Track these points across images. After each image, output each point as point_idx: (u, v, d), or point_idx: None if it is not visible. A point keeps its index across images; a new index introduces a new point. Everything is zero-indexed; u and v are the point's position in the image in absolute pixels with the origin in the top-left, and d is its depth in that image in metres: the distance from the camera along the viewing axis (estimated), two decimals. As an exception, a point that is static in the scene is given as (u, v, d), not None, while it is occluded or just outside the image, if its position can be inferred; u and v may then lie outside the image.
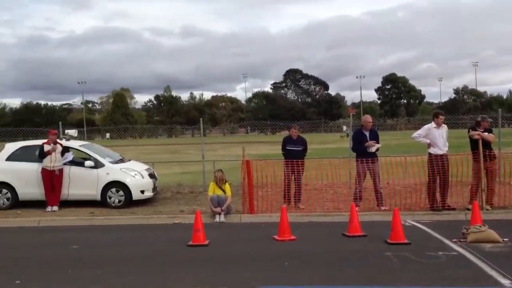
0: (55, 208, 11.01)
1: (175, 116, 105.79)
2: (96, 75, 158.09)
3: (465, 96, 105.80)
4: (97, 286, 5.72)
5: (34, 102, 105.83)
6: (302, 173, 10.77)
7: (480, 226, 7.52)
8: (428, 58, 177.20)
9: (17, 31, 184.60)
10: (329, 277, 6.00)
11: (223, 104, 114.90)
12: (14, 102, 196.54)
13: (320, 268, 6.37)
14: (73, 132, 13.23)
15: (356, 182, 10.46)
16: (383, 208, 10.05)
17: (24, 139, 16.34)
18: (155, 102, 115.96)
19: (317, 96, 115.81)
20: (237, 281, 5.83)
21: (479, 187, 9.74)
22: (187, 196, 12.93)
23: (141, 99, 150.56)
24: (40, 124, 74.28)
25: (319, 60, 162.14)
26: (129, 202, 11.25)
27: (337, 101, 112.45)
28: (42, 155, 11.04)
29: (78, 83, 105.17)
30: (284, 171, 10.80)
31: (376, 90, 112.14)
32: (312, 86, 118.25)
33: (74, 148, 11.86)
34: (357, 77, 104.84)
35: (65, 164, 11.29)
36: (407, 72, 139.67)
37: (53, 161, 11.00)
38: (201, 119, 15.73)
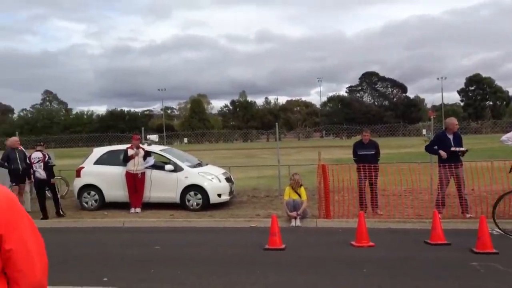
0: (138, 210, 11.51)
1: (250, 121, 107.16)
2: (175, 82, 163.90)
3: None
4: (178, 286, 5.89)
5: (119, 109, 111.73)
6: (377, 178, 10.48)
7: None
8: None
9: (104, 43, 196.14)
10: (411, 286, 5.78)
11: (298, 108, 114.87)
12: (100, 109, 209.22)
13: (400, 276, 6.15)
14: (154, 137, 13.76)
15: (438, 188, 9.98)
16: (468, 215, 9.53)
17: (109, 144, 17.29)
18: (230, 107, 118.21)
19: (395, 99, 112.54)
20: (314, 286, 5.77)
21: None
22: (263, 200, 13.02)
23: (217, 104, 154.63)
24: (124, 129, 78.42)
25: (397, 62, 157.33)
26: (206, 205, 11.52)
27: (416, 103, 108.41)
28: (126, 159, 11.59)
29: (158, 90, 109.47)
30: (358, 177, 10.53)
31: (459, 92, 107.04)
32: (389, 88, 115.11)
33: (155, 153, 12.34)
34: (438, 79, 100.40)
35: (147, 167, 11.77)
36: (492, 72, 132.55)
37: (136, 165, 11.51)
38: (276, 123, 15.75)
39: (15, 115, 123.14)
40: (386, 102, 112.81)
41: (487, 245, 7.04)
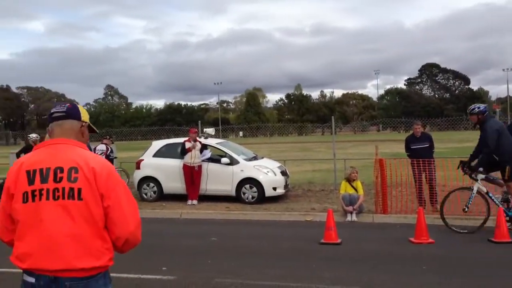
0: (195, 202, 11.75)
1: (305, 114, 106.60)
2: (230, 75, 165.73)
3: None
4: (235, 278, 5.97)
5: (176, 103, 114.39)
6: (435, 172, 10.08)
7: None
8: None
9: (162, 38, 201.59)
10: (474, 286, 5.57)
11: (354, 101, 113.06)
12: (159, 103, 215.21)
13: (462, 275, 5.94)
14: (211, 130, 13.96)
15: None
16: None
17: (167, 137, 17.73)
18: (286, 100, 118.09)
19: (457, 92, 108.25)
20: (371, 282, 5.69)
21: None
22: (318, 194, 12.94)
23: (272, 98, 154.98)
24: (181, 123, 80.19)
25: (459, 53, 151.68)
26: (262, 198, 11.58)
27: (480, 96, 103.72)
28: (183, 152, 11.84)
29: (215, 84, 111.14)
30: (413, 172, 10.13)
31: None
32: (451, 80, 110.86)
33: (212, 146, 12.53)
34: (503, 70, 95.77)
35: (203, 160, 11.98)
36: None
37: (193, 158, 11.74)
38: (332, 117, 15.59)
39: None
40: (447, 95, 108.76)
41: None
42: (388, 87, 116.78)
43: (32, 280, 2.45)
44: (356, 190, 9.88)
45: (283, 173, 12.31)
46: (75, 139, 2.68)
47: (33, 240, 2.44)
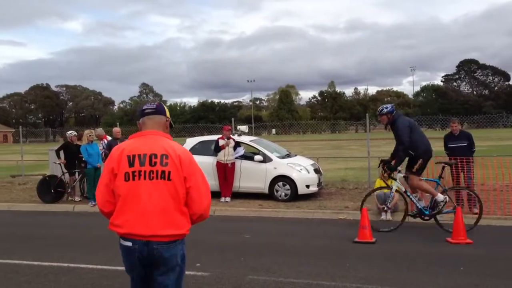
0: (228, 199, 11.81)
1: (338, 111, 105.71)
2: (263, 73, 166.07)
3: None
4: (268, 275, 5.98)
5: (209, 100, 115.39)
6: (473, 172, 9.78)
7: None
8: None
9: (196, 36, 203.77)
10: (513, 287, 5.40)
11: (389, 98, 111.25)
12: (192, 101, 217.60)
13: (502, 277, 5.76)
14: (244, 128, 14.01)
15: None
16: None
17: (201, 135, 17.88)
18: (319, 98, 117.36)
19: (496, 88, 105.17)
20: (407, 282, 5.59)
21: None
22: (352, 192, 12.81)
23: (305, 95, 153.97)
24: (214, 120, 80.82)
25: (499, 48, 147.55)
26: (294, 196, 11.55)
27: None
28: (217, 149, 11.93)
29: (248, 81, 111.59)
30: (450, 171, 9.88)
31: None
32: (490, 77, 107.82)
33: (245, 143, 12.56)
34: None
35: (237, 158, 12.03)
36: None
37: (227, 155, 11.81)
38: (367, 114, 15.36)
39: (115, 107, 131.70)
40: (486, 92, 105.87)
41: None
42: (424, 83, 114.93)
43: (129, 244, 3.14)
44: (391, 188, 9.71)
45: (316, 171, 12.24)
46: (162, 131, 3.38)
47: (131, 211, 3.12)
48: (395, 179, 8.68)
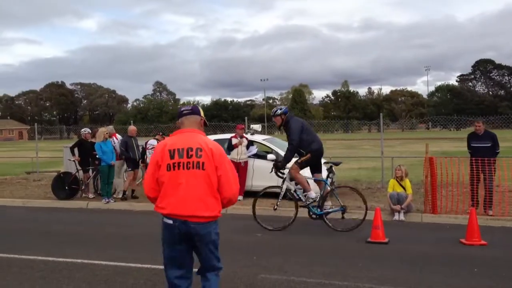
0: (240, 197, 11.79)
1: (352, 111, 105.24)
2: (276, 72, 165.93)
3: None
4: (280, 274, 5.98)
5: (222, 99, 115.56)
6: (494, 174, 9.66)
7: None
8: None
9: (209, 35, 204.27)
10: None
11: (403, 98, 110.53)
12: (205, 99, 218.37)
13: (516, 279, 5.70)
14: (257, 126, 13.97)
15: None
16: None
17: (213, 133, 17.91)
18: (332, 97, 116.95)
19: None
20: (420, 283, 5.55)
21: None
22: (364, 192, 12.68)
23: (318, 94, 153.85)
24: (227, 119, 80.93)
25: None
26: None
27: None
28: (230, 148, 11.94)
29: (261, 80, 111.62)
30: (470, 171, 9.77)
31: None
32: (506, 77, 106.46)
33: (258, 142, 12.55)
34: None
35: (249, 156, 12.03)
36: None
37: (240, 154, 11.81)
38: (381, 114, 15.27)
39: (129, 105, 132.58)
40: (502, 92, 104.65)
41: None
42: (438, 83, 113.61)
43: (170, 222, 3.80)
44: (404, 189, 9.67)
45: (329, 170, 12.17)
46: (197, 128, 4.06)
47: (172, 196, 3.79)
48: (281, 177, 9.15)
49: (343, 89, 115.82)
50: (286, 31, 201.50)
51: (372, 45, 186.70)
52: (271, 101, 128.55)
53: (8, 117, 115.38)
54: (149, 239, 8.17)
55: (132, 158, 12.31)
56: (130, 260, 6.65)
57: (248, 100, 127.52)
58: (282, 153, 11.99)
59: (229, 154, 11.97)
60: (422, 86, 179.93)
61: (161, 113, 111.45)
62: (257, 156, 12.18)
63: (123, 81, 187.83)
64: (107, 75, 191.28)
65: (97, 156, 12.08)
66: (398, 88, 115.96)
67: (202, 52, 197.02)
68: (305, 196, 8.80)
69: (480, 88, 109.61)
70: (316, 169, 9.34)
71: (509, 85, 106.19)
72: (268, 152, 12.18)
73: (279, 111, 9.01)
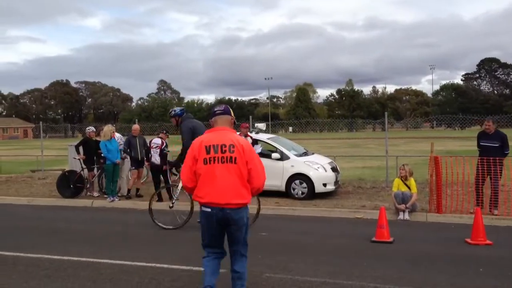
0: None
1: (356, 110, 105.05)
2: (280, 70, 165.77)
3: None
4: (285, 273, 5.98)
5: (226, 98, 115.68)
6: (500, 174, 9.59)
7: None
8: None
9: (214, 33, 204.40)
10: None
11: (407, 97, 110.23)
12: (209, 98, 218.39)
13: (522, 279, 5.68)
14: (262, 125, 13.96)
15: None
16: None
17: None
18: (336, 96, 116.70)
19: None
20: (425, 283, 5.53)
21: None
22: (369, 191, 12.73)
23: (323, 93, 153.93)
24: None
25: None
26: (311, 194, 11.52)
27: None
28: (234, 146, 11.91)
29: (265, 79, 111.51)
30: (478, 170, 9.72)
31: None
32: (511, 76, 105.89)
33: (263, 141, 12.55)
34: None
35: (254, 155, 11.99)
36: None
37: (244, 152, 11.77)
38: (385, 113, 15.26)
39: (133, 103, 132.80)
40: (507, 91, 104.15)
41: None
42: (443, 82, 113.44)
43: (208, 210, 4.40)
44: (409, 188, 9.64)
45: (334, 169, 12.18)
46: (229, 127, 4.60)
47: (209, 186, 4.37)
48: (176, 175, 9.20)
49: (347, 88, 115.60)
50: (291, 29, 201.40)
51: (377, 44, 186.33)
52: (275, 100, 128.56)
53: (13, 116, 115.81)
54: (154, 238, 8.19)
55: (135, 157, 12.33)
56: (135, 259, 6.66)
57: (252, 99, 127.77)
58: (287, 152, 12.03)
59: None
60: (427, 85, 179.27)
61: (166, 111, 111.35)
62: (261, 155, 12.14)
63: (127, 80, 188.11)
64: (111, 74, 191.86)
65: (102, 155, 12.11)
66: (403, 87, 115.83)
67: (206, 50, 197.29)
68: None
69: (485, 87, 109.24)
70: None
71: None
72: (273, 151, 12.17)
73: (173, 113, 9.34)
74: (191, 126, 8.94)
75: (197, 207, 8.56)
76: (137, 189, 12.62)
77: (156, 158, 11.67)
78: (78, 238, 8.29)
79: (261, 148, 12.31)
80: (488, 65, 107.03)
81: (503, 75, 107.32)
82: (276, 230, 8.82)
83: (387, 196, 11.38)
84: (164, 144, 11.86)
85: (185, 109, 9.52)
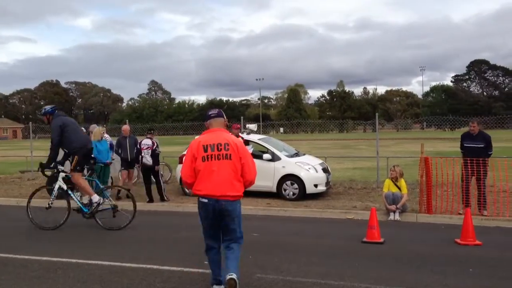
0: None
1: (347, 111, 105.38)
2: (272, 71, 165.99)
3: None
4: (277, 273, 5.98)
5: (218, 98, 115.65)
6: (486, 175, 9.66)
7: None
8: None
9: (206, 34, 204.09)
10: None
11: (398, 98, 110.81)
12: (201, 98, 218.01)
13: (511, 279, 5.72)
14: (253, 126, 13.94)
15: None
16: None
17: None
18: (327, 97, 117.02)
19: (506, 89, 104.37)
20: (415, 283, 5.56)
21: None
22: (360, 192, 12.77)
23: (314, 94, 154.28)
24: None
25: (511, 49, 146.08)
26: (303, 195, 11.53)
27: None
28: (225, 147, 11.89)
29: (256, 79, 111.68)
30: (462, 171, 9.82)
31: None
32: (500, 78, 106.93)
33: (254, 142, 12.53)
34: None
35: (245, 156, 11.97)
36: None
37: (235, 153, 11.75)
38: (376, 114, 15.30)
39: (124, 104, 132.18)
40: (497, 92, 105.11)
41: None
42: (433, 84, 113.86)
43: (206, 200, 4.92)
44: (399, 189, 9.69)
45: (325, 170, 12.21)
46: (223, 128, 5.17)
47: (207, 181, 4.90)
48: (46, 176, 9.73)
49: (338, 89, 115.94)
50: (282, 30, 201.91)
51: (368, 45, 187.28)
52: (266, 100, 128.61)
53: (2, 116, 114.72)
54: (144, 239, 8.15)
55: (124, 157, 12.28)
56: (125, 260, 6.62)
57: (244, 100, 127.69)
58: (278, 152, 12.03)
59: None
60: (417, 86, 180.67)
61: (157, 112, 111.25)
62: (253, 155, 12.02)
63: (118, 80, 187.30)
64: (102, 74, 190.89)
65: (92, 156, 12.00)
66: (393, 88, 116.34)
67: (198, 51, 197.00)
68: (90, 201, 9.02)
69: (474, 88, 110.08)
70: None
71: (503, 86, 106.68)
72: (264, 152, 12.17)
73: (43, 111, 9.35)
74: (61, 124, 8.95)
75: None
76: (128, 190, 12.53)
77: (148, 159, 11.63)
78: (68, 239, 8.23)
79: (252, 148, 12.29)
80: (478, 67, 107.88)
81: (492, 77, 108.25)
82: (267, 231, 8.81)
83: (378, 197, 11.42)
84: (155, 144, 11.81)
85: (56, 107, 9.53)
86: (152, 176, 11.89)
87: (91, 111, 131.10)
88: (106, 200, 9.22)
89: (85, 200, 9.23)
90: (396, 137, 42.72)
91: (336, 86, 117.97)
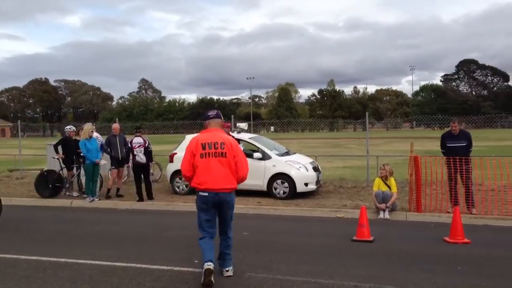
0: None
1: (337, 110, 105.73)
2: (263, 70, 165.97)
3: None
4: (266, 272, 5.98)
5: (208, 97, 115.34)
6: (471, 173, 9.76)
7: None
8: None
9: (196, 32, 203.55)
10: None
11: (388, 98, 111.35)
12: (191, 97, 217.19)
13: (499, 276, 5.78)
14: (243, 125, 13.93)
15: None
16: None
17: (199, 131, 17.87)
18: (318, 96, 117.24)
19: (495, 89, 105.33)
20: (405, 281, 5.59)
21: None
22: (350, 191, 12.81)
23: (305, 93, 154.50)
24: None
25: (499, 49, 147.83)
26: (293, 194, 11.55)
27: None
28: (216, 146, 11.88)
29: (247, 78, 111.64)
30: (447, 171, 9.85)
31: None
32: (489, 77, 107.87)
33: (244, 141, 12.51)
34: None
35: (235, 155, 11.96)
36: None
37: (226, 152, 11.75)
38: (366, 113, 15.37)
39: (114, 102, 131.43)
40: (485, 92, 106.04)
41: None
42: (423, 83, 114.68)
43: (205, 194, 5.49)
44: (389, 187, 9.74)
45: (315, 169, 12.23)
46: (220, 128, 5.77)
47: (205, 175, 5.47)
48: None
49: (329, 88, 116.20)
50: (273, 29, 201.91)
51: (358, 45, 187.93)
52: (257, 99, 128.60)
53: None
54: (134, 238, 8.12)
55: (115, 156, 12.22)
56: (115, 259, 6.59)
57: (234, 99, 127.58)
58: (269, 151, 12.04)
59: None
60: (407, 85, 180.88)
61: (147, 110, 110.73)
62: (243, 154, 12.13)
63: (108, 78, 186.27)
64: (91, 72, 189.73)
65: (81, 154, 11.95)
66: (383, 88, 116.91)
67: (188, 50, 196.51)
68: None
69: (463, 88, 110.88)
70: None
71: (492, 85, 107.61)
72: (255, 151, 12.17)
73: None
74: None
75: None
76: (118, 189, 12.50)
77: (141, 157, 11.60)
78: (57, 239, 8.17)
79: (243, 147, 12.27)
80: (467, 66, 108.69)
81: (481, 76, 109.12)
82: (257, 229, 8.82)
83: (368, 196, 11.47)
84: (147, 142, 11.78)
85: None
86: (142, 175, 11.84)
87: (81, 110, 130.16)
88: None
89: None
90: (386, 136, 42.94)
91: (327, 85, 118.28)
